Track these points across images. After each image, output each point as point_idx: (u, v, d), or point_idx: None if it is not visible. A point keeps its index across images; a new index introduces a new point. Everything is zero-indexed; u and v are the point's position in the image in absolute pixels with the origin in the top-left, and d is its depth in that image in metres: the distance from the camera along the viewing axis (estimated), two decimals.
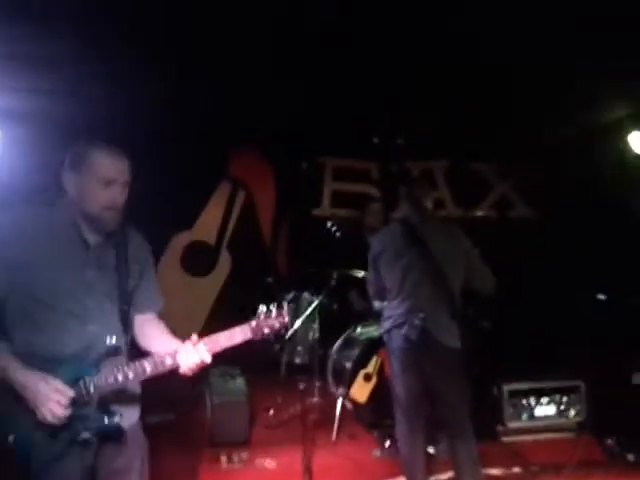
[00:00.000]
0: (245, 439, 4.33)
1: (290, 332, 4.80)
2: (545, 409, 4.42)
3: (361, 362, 4.40)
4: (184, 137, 5.21)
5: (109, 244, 2.12)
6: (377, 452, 4.22)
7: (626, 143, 4.72)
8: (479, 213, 6.20)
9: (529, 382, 4.48)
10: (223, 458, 4.07)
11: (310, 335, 4.89)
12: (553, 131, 5.29)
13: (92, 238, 2.09)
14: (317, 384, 4.97)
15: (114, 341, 2.03)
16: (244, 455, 4.13)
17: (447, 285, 3.26)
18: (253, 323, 2.10)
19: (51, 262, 2.01)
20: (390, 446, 4.12)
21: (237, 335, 2.07)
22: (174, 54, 3.83)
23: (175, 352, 2.02)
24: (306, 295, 4.98)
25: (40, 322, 1.98)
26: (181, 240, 5.94)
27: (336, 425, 4.47)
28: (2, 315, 2.00)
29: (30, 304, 1.98)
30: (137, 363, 2.01)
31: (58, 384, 1.91)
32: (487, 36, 3.89)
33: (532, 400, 4.42)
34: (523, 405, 4.41)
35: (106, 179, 2.01)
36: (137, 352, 2.17)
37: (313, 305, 4.78)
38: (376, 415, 4.36)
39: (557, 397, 4.43)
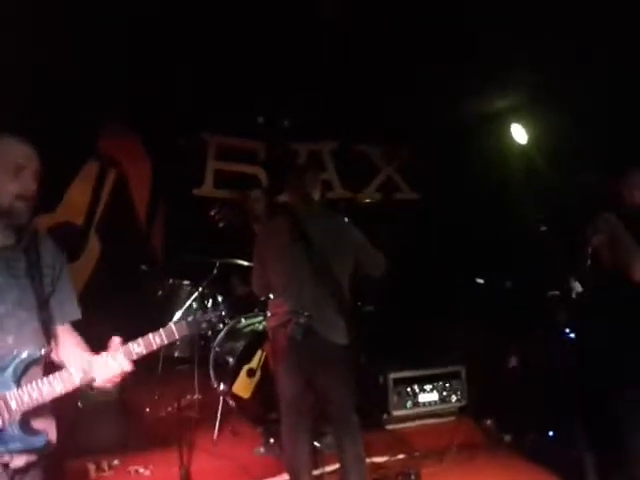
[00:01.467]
0: (116, 444, 3.96)
1: (170, 324, 4.49)
2: (428, 396, 4.49)
3: (245, 357, 4.21)
4: (48, 112, 4.65)
5: (19, 247, 1.96)
6: (261, 449, 4.07)
7: (507, 134, 4.85)
8: (366, 197, 6.16)
9: (413, 370, 4.52)
10: (91, 467, 3.70)
11: None
12: (439, 116, 5.33)
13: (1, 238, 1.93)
14: (197, 380, 4.68)
15: (34, 352, 1.87)
16: (115, 462, 3.78)
17: (333, 281, 3.19)
18: (189, 319, 2.06)
19: None
20: (274, 443, 3.96)
21: (173, 332, 1.99)
22: (45, 18, 3.50)
23: (88, 367, 1.88)
24: (186, 284, 4.66)
25: None
26: (43, 222, 5.32)
27: (218, 423, 4.24)
28: None
29: None
30: (46, 380, 1.86)
31: None
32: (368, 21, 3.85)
33: (416, 387, 4.47)
34: (407, 393, 4.46)
35: (15, 166, 1.90)
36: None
37: (194, 295, 4.48)
38: (260, 410, 4.21)
39: (440, 383, 4.53)
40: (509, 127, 4.85)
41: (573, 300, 2.45)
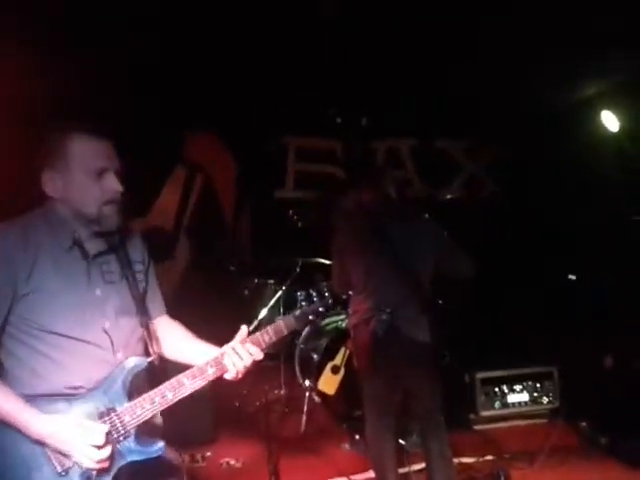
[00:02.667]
0: (209, 437, 4.13)
1: (255, 322, 4.63)
2: (518, 396, 4.36)
3: (328, 354, 4.26)
4: (137, 121, 4.91)
5: (109, 250, 1.83)
6: (346, 446, 4.11)
7: (597, 122, 4.63)
8: (449, 194, 6.05)
9: (501, 370, 4.41)
10: (185, 458, 3.86)
11: None
12: (523, 110, 5.16)
13: (91, 246, 1.79)
14: (283, 376, 4.79)
15: (141, 362, 1.77)
16: (208, 454, 3.94)
17: (415, 278, 3.15)
18: (297, 312, 1.98)
19: (54, 283, 1.69)
20: (360, 439, 3.98)
21: (283, 327, 1.92)
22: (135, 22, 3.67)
23: (218, 358, 1.81)
24: (270, 283, 4.79)
25: (49, 355, 1.69)
26: (136, 227, 5.61)
27: (304, 418, 4.32)
28: None
29: (36, 335, 1.68)
30: (174, 380, 1.76)
31: (87, 423, 1.65)
32: (452, 13, 3.79)
33: (505, 387, 4.35)
34: (496, 393, 4.35)
35: (96, 169, 1.72)
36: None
37: (278, 294, 4.59)
38: (345, 407, 4.24)
39: (530, 384, 4.38)
40: (599, 115, 4.63)
41: None
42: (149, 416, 1.73)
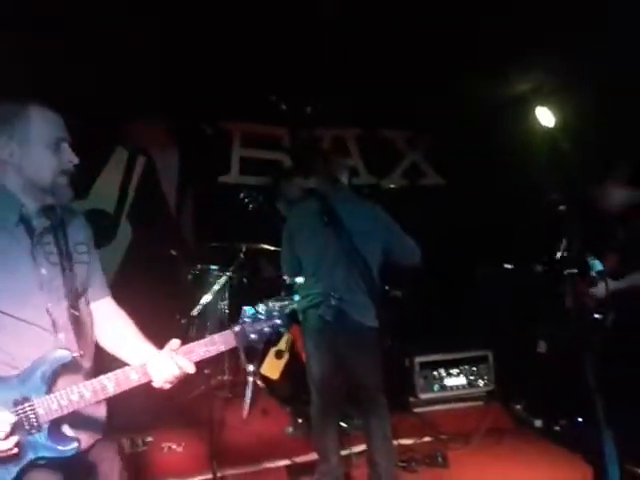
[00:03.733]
0: (150, 422, 4.07)
1: (198, 307, 4.59)
2: (455, 380, 4.51)
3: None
4: (78, 101, 4.74)
5: (51, 228, 1.77)
6: (290, 429, 4.13)
7: (534, 117, 4.80)
8: (391, 183, 6.15)
9: (439, 354, 4.54)
10: (126, 443, 3.80)
11: (220, 310, 4.68)
12: (464, 100, 5.29)
13: (37, 223, 1.74)
14: (227, 361, 4.77)
15: (63, 356, 1.68)
16: (149, 438, 3.89)
17: (364, 264, 3.19)
18: (237, 328, 1.78)
19: (1, 259, 1.66)
20: (303, 423, 4.03)
21: (218, 343, 1.76)
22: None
23: (144, 366, 1.71)
24: (213, 269, 4.74)
25: None
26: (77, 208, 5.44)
27: (247, 403, 4.32)
28: None
29: None
30: (95, 381, 1.67)
31: None
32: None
33: (442, 371, 4.48)
34: (434, 376, 4.48)
35: (55, 140, 1.73)
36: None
37: (222, 280, 4.56)
38: (289, 391, 4.28)
39: (466, 367, 4.54)
40: (535, 110, 4.81)
41: (593, 278, 2.46)
42: (65, 413, 1.65)
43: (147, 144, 5.84)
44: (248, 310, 1.80)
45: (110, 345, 1.93)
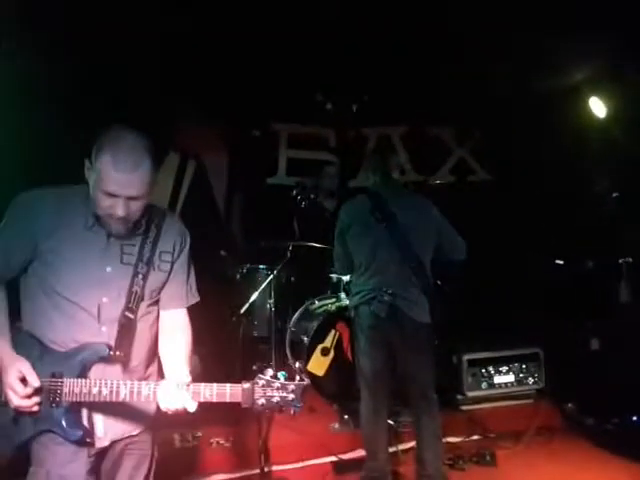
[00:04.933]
0: (200, 417, 4.17)
1: (246, 305, 4.68)
2: (504, 377, 4.42)
3: (318, 336, 4.32)
4: (130, 109, 4.94)
5: (135, 234, 1.94)
6: (336, 425, 4.16)
7: (585, 108, 4.66)
8: (438, 179, 6.08)
9: (488, 351, 4.47)
10: (176, 438, 3.92)
11: (267, 308, 4.76)
12: (512, 95, 5.19)
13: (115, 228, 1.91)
14: (274, 358, 4.84)
15: (101, 350, 1.85)
16: (199, 434, 3.99)
17: (417, 260, 3.19)
18: (246, 386, 1.77)
19: (69, 252, 1.86)
20: (349, 419, 4.05)
21: (227, 393, 1.80)
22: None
23: (155, 388, 1.81)
24: (262, 268, 4.84)
25: (47, 312, 1.87)
26: (177, 218, 5.63)
27: None
28: (18, 284, 1.93)
29: (47, 291, 1.87)
30: (116, 383, 1.80)
31: (27, 370, 1.77)
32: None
33: (491, 369, 4.41)
34: (482, 374, 4.41)
35: (107, 191, 1.79)
36: None
37: (269, 278, 4.64)
38: (335, 388, 4.30)
39: (516, 365, 4.45)
40: (587, 101, 4.67)
41: None
42: (83, 400, 1.79)
43: (197, 149, 6.00)
44: (267, 373, 1.78)
45: (161, 355, 2.06)
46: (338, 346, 4.30)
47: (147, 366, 2.04)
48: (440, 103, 5.52)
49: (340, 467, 3.65)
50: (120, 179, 1.76)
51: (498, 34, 4.13)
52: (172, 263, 2.02)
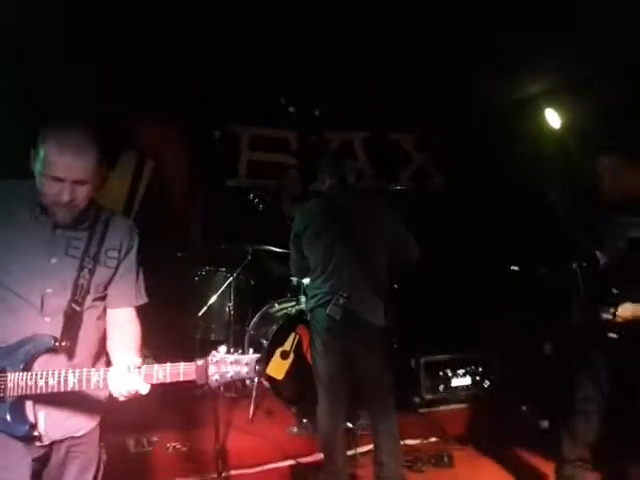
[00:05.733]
0: (155, 422, 4.10)
1: (204, 308, 4.62)
2: (461, 380, 4.49)
3: (278, 339, 4.29)
4: (86, 105, 4.81)
5: (81, 228, 1.92)
6: (294, 429, 4.14)
7: (542, 119, 4.79)
8: (398, 185, 6.15)
9: (445, 354, 4.53)
10: (131, 443, 3.83)
11: (225, 311, 4.71)
12: (471, 103, 5.30)
13: (63, 217, 1.88)
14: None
15: (47, 341, 1.80)
16: (154, 438, 3.91)
17: (372, 262, 3.20)
18: (200, 362, 1.73)
19: (12, 243, 1.84)
20: (307, 423, 4.03)
21: (180, 373, 1.74)
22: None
23: (105, 374, 1.77)
24: (221, 270, 4.78)
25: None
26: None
27: (253, 403, 4.34)
28: None
29: None
30: (63, 372, 1.75)
31: None
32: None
33: (448, 371, 4.47)
34: (440, 377, 4.46)
35: (53, 175, 1.78)
36: None
37: (228, 281, 4.60)
38: (294, 391, 4.28)
39: (472, 368, 4.52)
40: (543, 113, 4.80)
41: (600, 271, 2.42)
42: (30, 393, 1.74)
43: (155, 148, 5.89)
44: (220, 349, 1.76)
45: (109, 349, 2.01)
46: (298, 349, 4.28)
47: (94, 362, 1.98)
48: (402, 110, 5.59)
49: (298, 471, 3.62)
50: (65, 162, 1.78)
51: (462, 43, 4.20)
52: (119, 261, 1.99)
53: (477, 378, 4.51)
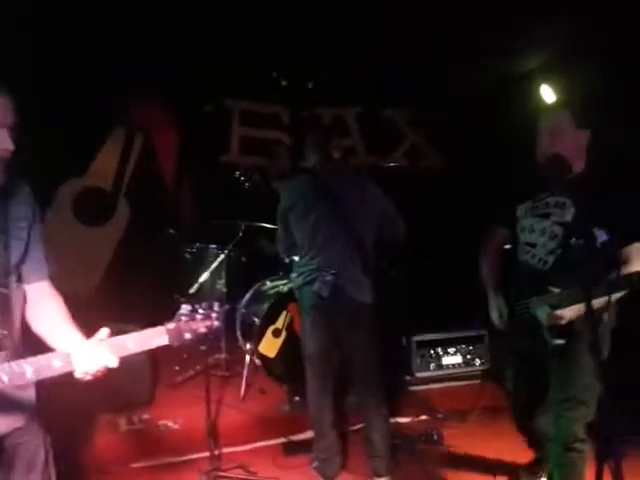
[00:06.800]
0: (147, 400, 4.10)
1: (196, 286, 4.58)
2: (452, 359, 4.51)
3: (270, 317, 4.27)
4: (75, 81, 4.71)
5: None
6: (286, 407, 4.16)
7: (536, 95, 4.73)
8: (391, 162, 6.10)
9: (436, 333, 4.54)
10: (122, 421, 3.84)
11: (217, 289, 4.68)
12: (466, 80, 5.24)
13: None
14: (224, 340, 4.78)
15: None
16: (145, 416, 3.92)
17: (359, 239, 3.17)
18: (171, 326, 1.67)
19: None
20: (299, 401, 4.04)
21: (150, 339, 1.66)
22: None
23: (68, 355, 1.63)
24: (212, 247, 4.73)
25: None
26: (72, 187, 5.42)
27: (244, 381, 4.35)
28: None
29: None
30: (15, 364, 1.57)
31: None
32: None
33: (439, 350, 4.49)
34: (431, 355, 4.48)
35: None
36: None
37: (219, 258, 4.55)
38: (286, 370, 4.27)
39: (463, 347, 4.54)
40: (538, 89, 4.74)
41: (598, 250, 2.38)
42: None
43: (145, 123, 5.82)
44: (185, 308, 1.71)
45: (42, 330, 1.83)
46: (290, 327, 4.27)
47: (22, 349, 1.79)
48: (396, 86, 5.51)
49: (290, 448, 3.63)
50: (3, 105, 1.64)
51: (456, 17, 4.13)
52: (29, 230, 1.81)
53: (468, 357, 4.54)
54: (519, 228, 2.73)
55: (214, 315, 1.72)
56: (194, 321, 1.70)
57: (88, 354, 1.64)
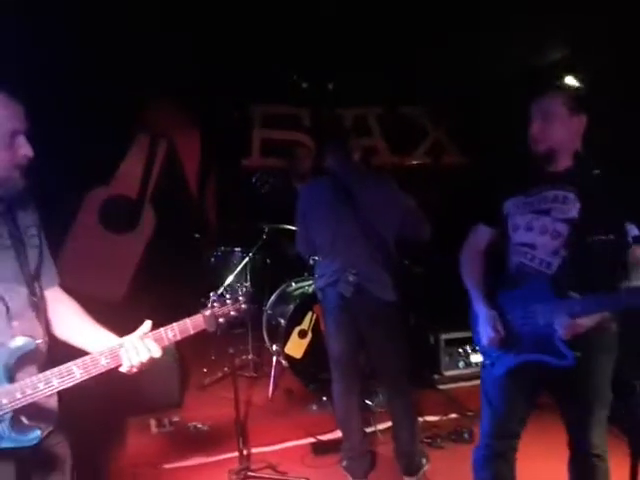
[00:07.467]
0: (176, 402, 4.15)
1: (221, 289, 4.61)
2: (480, 356, 4.43)
3: (296, 318, 4.27)
4: (100, 87, 4.78)
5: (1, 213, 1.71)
6: (314, 407, 4.16)
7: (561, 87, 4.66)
8: (414, 160, 6.07)
9: (465, 331, 4.48)
10: (153, 423, 3.89)
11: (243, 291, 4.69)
12: (487, 74, 5.18)
13: None
14: (251, 341, 4.81)
15: (27, 343, 1.62)
16: (175, 418, 3.96)
17: (380, 238, 3.15)
18: (207, 312, 1.80)
19: None
20: (327, 401, 4.04)
21: (189, 326, 1.77)
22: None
23: (114, 349, 1.68)
24: (237, 250, 4.77)
25: None
26: (98, 195, 5.51)
27: (272, 382, 4.36)
28: None
29: None
30: (63, 368, 1.62)
31: None
32: None
33: (468, 348, 4.44)
34: (459, 353, 4.45)
35: (11, 132, 1.63)
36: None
37: (244, 261, 4.58)
38: (312, 370, 4.27)
39: None
40: (562, 80, 4.67)
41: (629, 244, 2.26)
42: (29, 402, 1.60)
43: (169, 128, 5.88)
44: (214, 295, 1.86)
45: (67, 333, 1.86)
46: (315, 328, 4.26)
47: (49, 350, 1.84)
48: (416, 84, 5.48)
49: (318, 448, 3.63)
50: (19, 112, 1.67)
51: (476, 15, 4.10)
52: (39, 237, 1.83)
53: None
54: (511, 227, 2.38)
55: (241, 299, 1.89)
56: (225, 306, 1.85)
57: (135, 347, 1.69)
